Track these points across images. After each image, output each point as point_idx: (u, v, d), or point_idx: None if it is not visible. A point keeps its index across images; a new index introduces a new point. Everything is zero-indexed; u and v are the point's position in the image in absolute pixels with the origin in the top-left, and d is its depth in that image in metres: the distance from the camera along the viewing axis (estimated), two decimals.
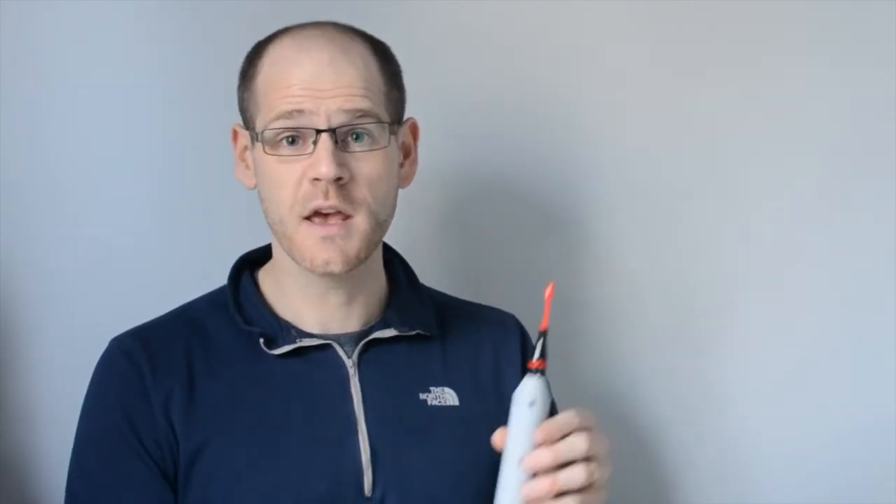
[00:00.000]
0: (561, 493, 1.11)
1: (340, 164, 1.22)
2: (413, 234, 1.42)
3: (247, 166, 1.31)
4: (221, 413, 1.25)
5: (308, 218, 1.24)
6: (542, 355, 1.12)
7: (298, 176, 1.23)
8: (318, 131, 1.22)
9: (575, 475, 1.11)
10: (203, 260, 1.53)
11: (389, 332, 1.30)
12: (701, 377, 1.66)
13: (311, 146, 1.23)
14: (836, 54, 1.65)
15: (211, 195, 1.57)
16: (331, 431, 1.26)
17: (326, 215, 1.24)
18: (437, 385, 1.31)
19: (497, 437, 1.13)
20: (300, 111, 1.22)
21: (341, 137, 1.23)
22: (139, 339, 1.29)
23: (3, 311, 1.52)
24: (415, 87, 1.34)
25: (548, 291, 1.12)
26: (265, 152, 1.24)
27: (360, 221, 1.24)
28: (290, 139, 1.24)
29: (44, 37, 1.53)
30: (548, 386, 1.12)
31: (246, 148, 1.31)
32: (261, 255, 1.36)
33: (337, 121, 1.22)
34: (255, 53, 1.30)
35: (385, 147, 1.25)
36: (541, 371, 1.11)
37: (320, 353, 1.29)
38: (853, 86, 1.64)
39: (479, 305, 1.43)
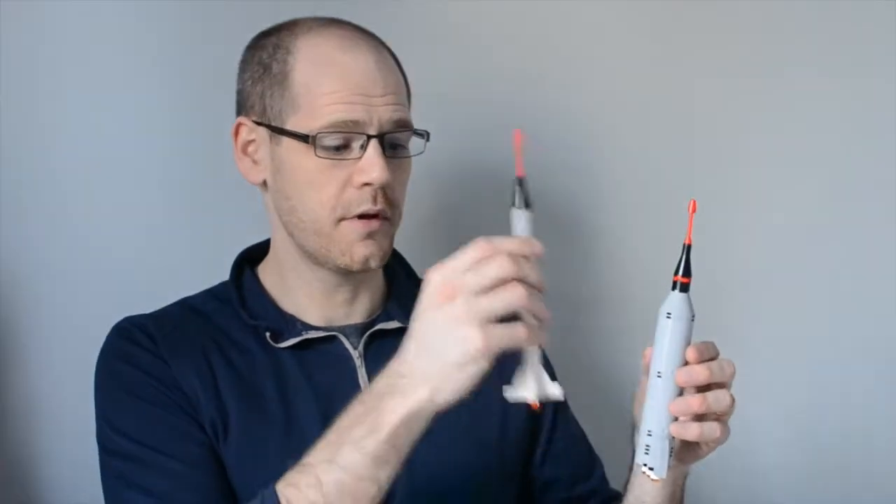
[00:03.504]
0: (704, 414, 1.09)
1: (388, 169, 1.24)
2: (408, 233, 1.42)
3: (253, 162, 1.30)
4: (237, 397, 1.24)
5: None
6: (686, 271, 1.10)
7: (343, 180, 1.24)
8: (369, 137, 1.23)
9: (722, 399, 1.10)
10: (204, 259, 1.52)
11: (393, 324, 1.31)
12: None
13: (359, 151, 1.24)
14: (836, 55, 1.67)
15: (211, 194, 1.57)
16: None
17: (370, 217, 1.25)
18: None
19: (647, 351, 1.12)
20: (355, 121, 1.23)
21: (387, 143, 1.25)
22: (152, 319, 1.29)
23: (3, 311, 1.52)
24: (416, 87, 1.34)
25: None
26: (316, 155, 1.23)
27: (395, 223, 1.28)
28: (338, 144, 1.24)
29: (44, 37, 1.53)
30: (687, 302, 1.10)
31: (251, 142, 1.29)
32: (259, 251, 1.36)
33: (387, 128, 1.24)
34: (277, 46, 1.27)
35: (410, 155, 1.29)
36: (682, 285, 1.10)
37: (327, 345, 1.29)
38: (854, 86, 1.66)
39: None
